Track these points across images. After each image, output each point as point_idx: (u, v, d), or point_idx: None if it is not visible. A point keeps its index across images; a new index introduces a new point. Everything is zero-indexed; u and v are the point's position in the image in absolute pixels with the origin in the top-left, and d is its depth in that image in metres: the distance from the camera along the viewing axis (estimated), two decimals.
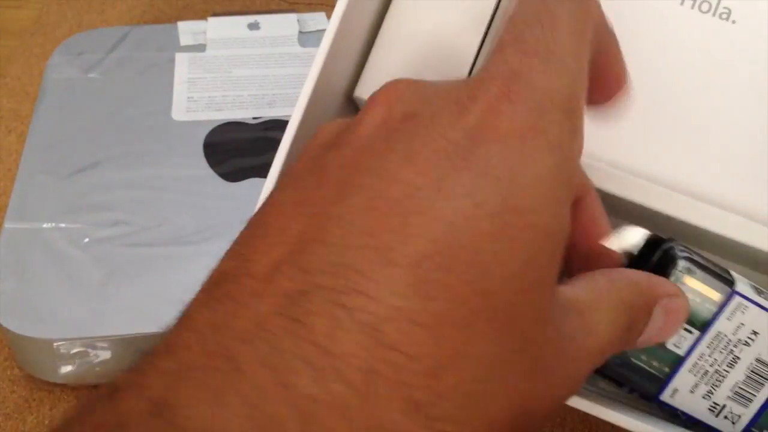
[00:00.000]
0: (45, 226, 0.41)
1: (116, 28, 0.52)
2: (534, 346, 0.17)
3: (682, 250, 0.23)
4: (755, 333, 0.23)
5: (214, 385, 0.15)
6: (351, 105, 0.31)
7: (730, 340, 0.23)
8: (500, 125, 0.17)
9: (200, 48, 0.50)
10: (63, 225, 0.41)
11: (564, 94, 0.18)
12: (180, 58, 0.49)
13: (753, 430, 0.24)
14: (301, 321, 0.15)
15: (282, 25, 0.51)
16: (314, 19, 0.51)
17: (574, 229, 0.22)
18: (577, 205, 0.23)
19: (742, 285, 0.23)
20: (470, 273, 0.16)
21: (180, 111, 0.47)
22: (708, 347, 0.23)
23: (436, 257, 0.16)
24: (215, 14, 0.52)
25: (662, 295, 0.22)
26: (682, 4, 0.29)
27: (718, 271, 0.23)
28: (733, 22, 0.29)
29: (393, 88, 0.19)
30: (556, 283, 0.18)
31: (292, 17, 0.51)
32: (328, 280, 0.16)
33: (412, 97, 0.19)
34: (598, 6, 0.21)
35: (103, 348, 0.38)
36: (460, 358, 0.16)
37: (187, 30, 0.51)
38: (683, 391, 0.24)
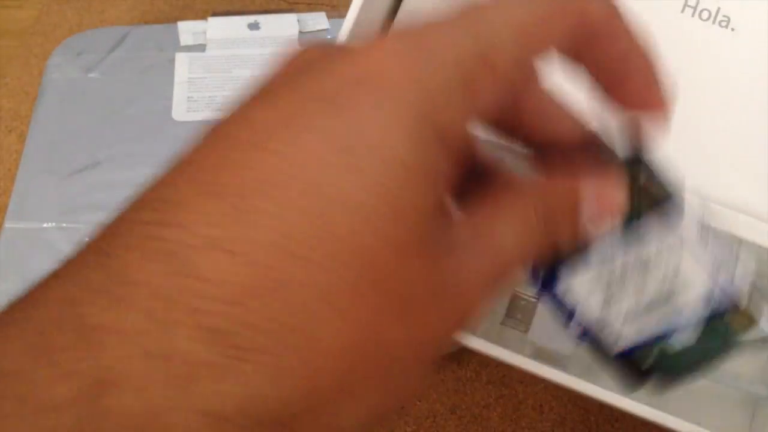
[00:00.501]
0: (45, 226, 0.41)
1: (116, 28, 0.52)
2: (392, 282, 0.16)
3: (632, 157, 0.21)
4: (678, 269, 0.22)
5: (7, 320, 0.15)
6: None
7: (649, 262, 0.22)
8: (375, 70, 0.17)
9: (200, 48, 0.50)
10: (63, 225, 0.41)
11: (456, 53, 0.18)
12: (180, 58, 0.49)
13: (636, 352, 0.23)
14: (110, 253, 0.15)
15: (282, 25, 0.51)
16: (314, 19, 0.51)
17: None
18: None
19: (688, 213, 0.22)
20: (305, 202, 0.15)
21: (180, 111, 0.47)
22: (621, 262, 0.22)
23: (264, 186, 0.15)
24: (215, 14, 0.52)
25: (591, 184, 0.21)
26: (682, 11, 0.29)
27: (665, 186, 0.22)
28: (732, 29, 0.29)
29: (290, 52, 0.19)
30: (432, 218, 0.18)
31: (292, 17, 0.51)
32: (147, 215, 0.16)
33: (302, 59, 0.19)
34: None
35: None
36: (280, 286, 0.15)
37: (187, 30, 0.51)
38: (578, 293, 0.22)
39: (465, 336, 0.27)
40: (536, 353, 0.32)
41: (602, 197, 0.21)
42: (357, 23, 0.27)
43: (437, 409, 0.42)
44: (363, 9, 0.27)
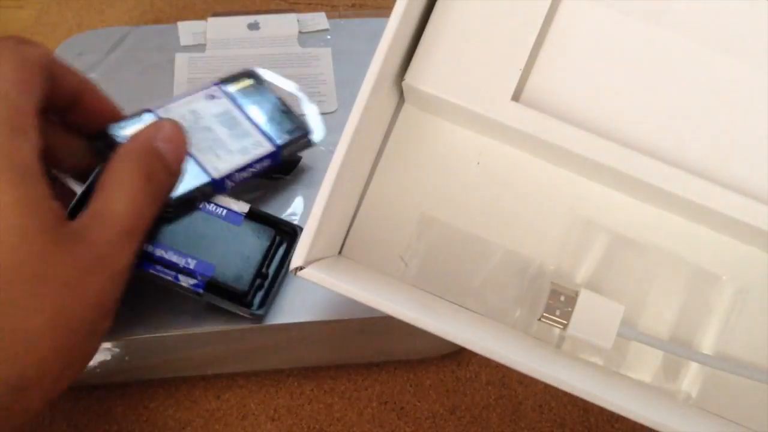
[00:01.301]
0: None
1: (116, 28, 0.52)
2: (46, 289, 0.23)
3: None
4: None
5: None
6: (398, 91, 0.31)
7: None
8: None
9: (200, 48, 0.50)
10: None
11: None
12: (180, 58, 0.49)
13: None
14: None
15: (282, 25, 0.51)
16: (314, 19, 0.51)
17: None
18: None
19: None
20: None
21: None
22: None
23: None
24: (215, 14, 0.52)
25: (154, 132, 0.29)
26: None
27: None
28: None
29: None
30: (42, 234, 0.24)
31: (292, 17, 0.51)
32: None
33: None
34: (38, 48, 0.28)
35: (102, 349, 0.38)
36: None
37: (187, 30, 0.51)
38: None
39: (487, 346, 0.27)
40: (573, 349, 0.32)
41: (164, 126, 0.29)
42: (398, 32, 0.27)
43: (437, 409, 0.42)
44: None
